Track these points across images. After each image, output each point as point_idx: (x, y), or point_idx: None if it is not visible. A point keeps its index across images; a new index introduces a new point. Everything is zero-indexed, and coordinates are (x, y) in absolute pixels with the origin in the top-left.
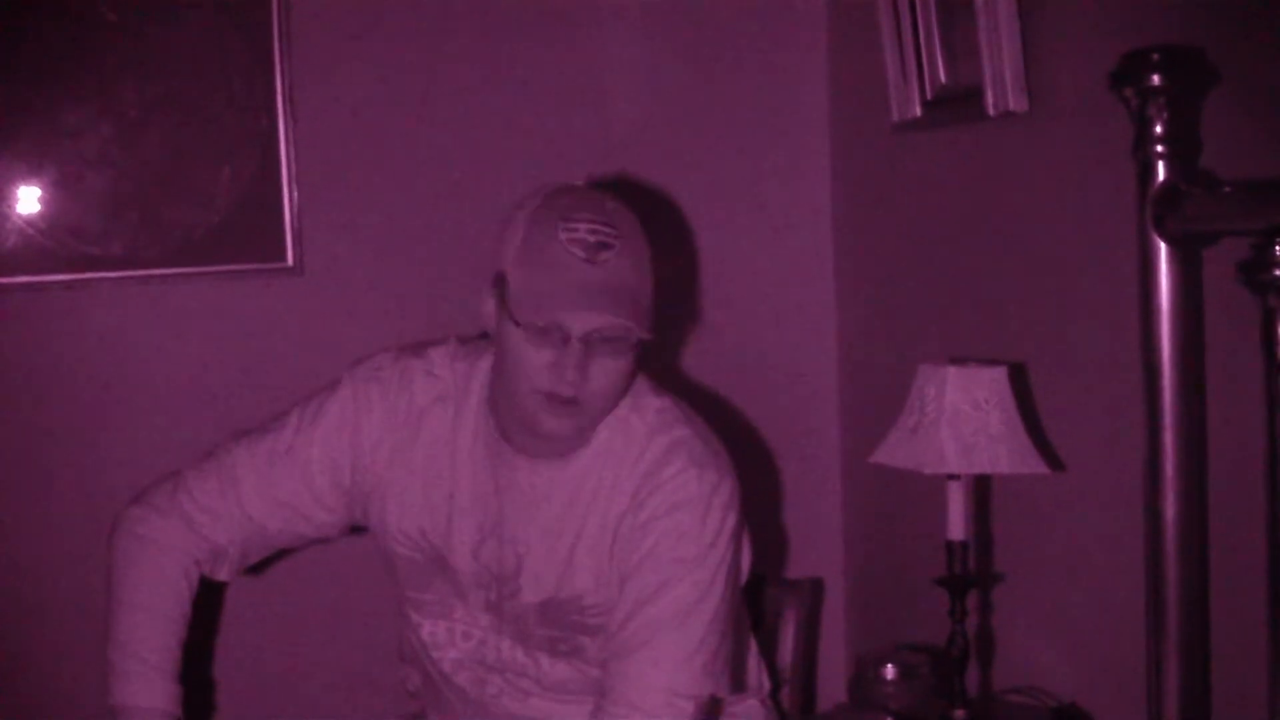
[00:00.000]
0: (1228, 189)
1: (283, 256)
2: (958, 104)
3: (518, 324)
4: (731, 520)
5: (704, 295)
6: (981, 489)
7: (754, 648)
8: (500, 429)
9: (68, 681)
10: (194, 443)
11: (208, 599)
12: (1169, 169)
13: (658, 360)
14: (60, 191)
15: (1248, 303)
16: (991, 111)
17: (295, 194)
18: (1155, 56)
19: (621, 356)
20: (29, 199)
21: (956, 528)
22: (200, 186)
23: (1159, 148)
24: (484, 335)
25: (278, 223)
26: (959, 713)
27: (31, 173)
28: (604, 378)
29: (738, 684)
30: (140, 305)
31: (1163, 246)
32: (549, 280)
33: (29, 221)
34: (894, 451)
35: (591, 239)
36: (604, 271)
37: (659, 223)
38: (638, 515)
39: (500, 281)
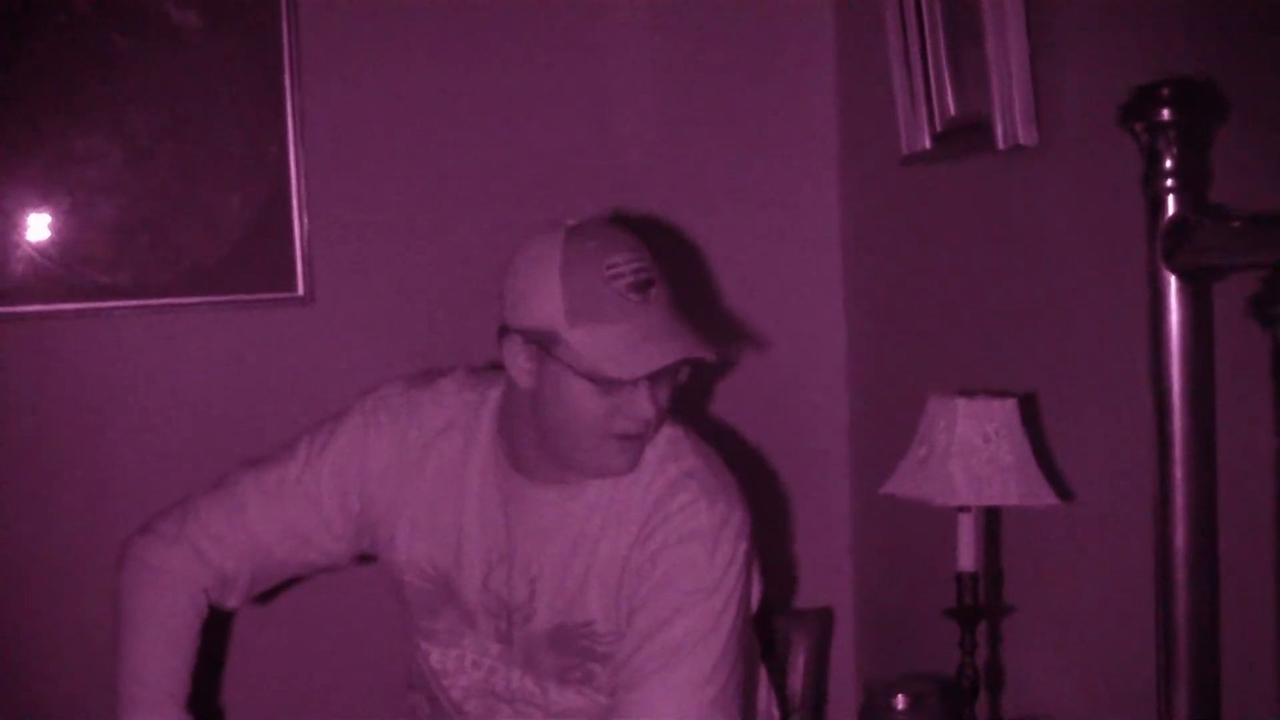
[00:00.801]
0: (1237, 223)
1: (293, 285)
2: (967, 136)
3: (594, 381)
4: (742, 551)
5: (713, 325)
6: (991, 520)
7: (764, 677)
8: (511, 459)
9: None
10: (203, 471)
11: (216, 627)
12: (1179, 202)
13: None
14: (70, 219)
15: (1258, 336)
16: (1001, 144)
17: (306, 222)
18: (1165, 91)
19: (678, 379)
20: (39, 226)
21: (966, 559)
22: (210, 214)
23: (1169, 181)
24: (493, 365)
25: (288, 251)
26: None
27: (41, 200)
28: (664, 402)
29: (748, 714)
30: (150, 334)
31: (1173, 280)
32: (621, 334)
33: (39, 249)
34: (904, 483)
35: (636, 279)
36: (661, 308)
37: (667, 253)
38: (647, 545)
39: (546, 339)
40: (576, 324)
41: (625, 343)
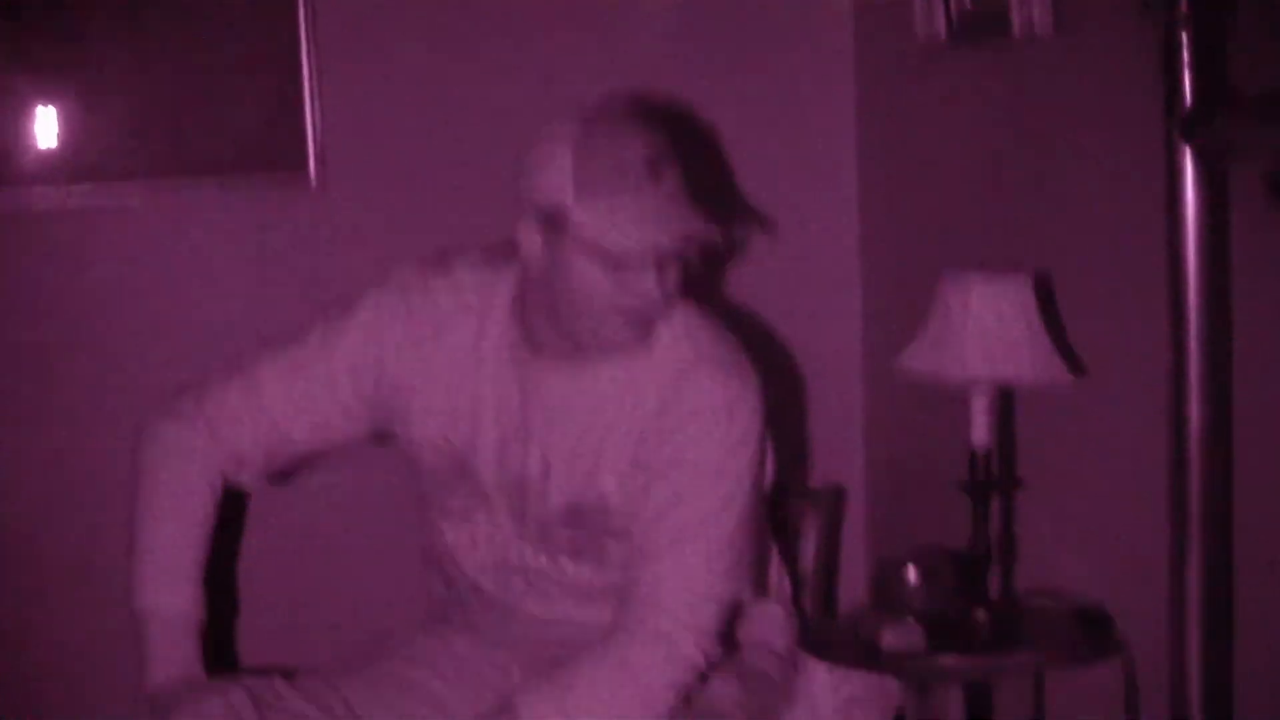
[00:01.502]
0: (1254, 104)
1: (305, 175)
2: (983, 25)
3: (600, 257)
4: (756, 427)
5: (724, 209)
6: (1004, 396)
7: (776, 555)
8: (526, 337)
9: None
10: (217, 358)
11: (232, 506)
12: (1196, 86)
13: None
14: (82, 109)
15: (1274, 214)
16: (1017, 33)
17: (318, 111)
18: None
19: (684, 261)
20: (52, 117)
21: (980, 434)
22: (223, 104)
23: (1186, 66)
24: (508, 244)
25: (300, 141)
26: (980, 614)
27: (54, 90)
28: (671, 282)
29: (759, 588)
30: (163, 224)
31: (1189, 160)
32: (629, 210)
33: (51, 139)
34: (918, 359)
35: (646, 156)
36: (669, 186)
37: (682, 139)
38: (663, 421)
39: (556, 215)
40: (585, 200)
41: (632, 220)
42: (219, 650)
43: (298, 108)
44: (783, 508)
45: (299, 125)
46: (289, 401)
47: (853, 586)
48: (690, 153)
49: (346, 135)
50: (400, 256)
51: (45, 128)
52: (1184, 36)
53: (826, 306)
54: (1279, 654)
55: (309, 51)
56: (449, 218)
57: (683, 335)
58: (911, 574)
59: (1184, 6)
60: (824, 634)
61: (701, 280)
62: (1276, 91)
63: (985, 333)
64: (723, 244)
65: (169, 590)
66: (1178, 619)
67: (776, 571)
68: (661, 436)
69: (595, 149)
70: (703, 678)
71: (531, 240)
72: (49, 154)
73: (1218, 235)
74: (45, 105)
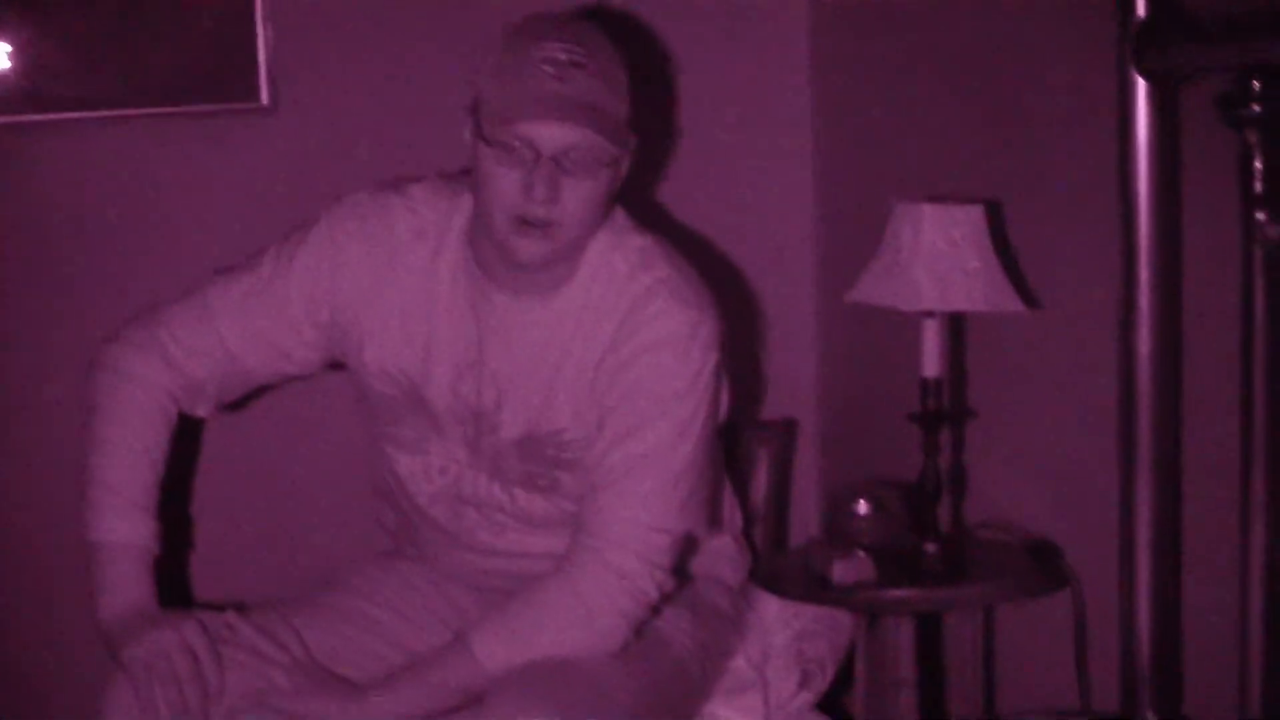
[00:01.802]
0: (1207, 26)
1: (257, 96)
2: None
3: (487, 142)
4: (712, 359)
5: (679, 134)
6: (956, 326)
7: (728, 487)
8: (481, 264)
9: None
10: (171, 282)
11: (186, 435)
12: (1148, 6)
13: (636, 198)
14: (33, 32)
15: (1225, 138)
16: None
17: (269, 32)
18: None
19: (592, 177)
20: (1, 41)
21: (931, 364)
22: (173, 25)
23: None
24: (465, 172)
25: (252, 61)
26: (930, 546)
27: (4, 14)
28: (576, 198)
29: (712, 521)
30: (114, 146)
31: (1141, 84)
32: (516, 94)
33: (1, 63)
34: (869, 289)
35: (563, 57)
36: (573, 88)
37: (634, 56)
38: (619, 352)
39: (475, 105)
40: (488, 82)
41: (517, 103)
42: (172, 583)
43: (249, 30)
44: (735, 441)
45: (250, 48)
46: (243, 329)
47: (805, 520)
48: (644, 73)
49: (298, 57)
50: (355, 178)
51: None
52: None
53: (780, 238)
54: (1227, 585)
55: None
56: (403, 138)
57: (639, 267)
58: (862, 507)
59: None
60: (775, 567)
61: (654, 209)
62: (1228, 13)
63: (937, 262)
64: (615, 160)
65: (122, 521)
66: (1127, 551)
67: (729, 505)
68: (617, 367)
69: (520, 45)
70: (654, 610)
71: (466, 141)
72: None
73: (1169, 161)
74: None
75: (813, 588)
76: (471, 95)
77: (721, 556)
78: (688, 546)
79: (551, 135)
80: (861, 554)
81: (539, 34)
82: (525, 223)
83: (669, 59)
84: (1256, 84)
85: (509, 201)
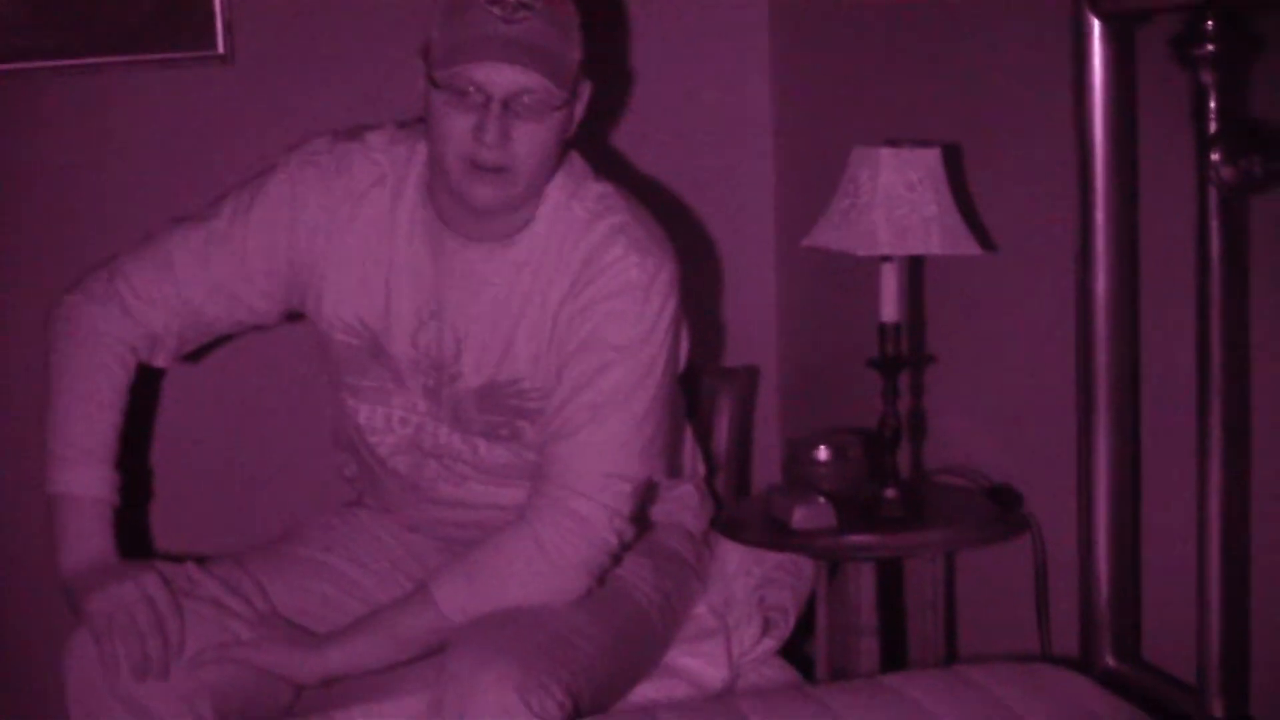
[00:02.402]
0: None
1: (213, 43)
2: None
3: (438, 86)
4: (671, 306)
5: (637, 81)
6: (914, 270)
7: (689, 434)
8: (439, 213)
9: None
10: (129, 233)
11: (145, 387)
12: None
13: (594, 146)
14: None
15: (1179, 79)
16: None
17: None
18: None
19: (542, 121)
20: None
21: (889, 309)
22: None
23: None
24: (422, 120)
25: (208, 9)
26: (890, 492)
27: None
28: (528, 141)
29: (673, 469)
30: (71, 96)
31: (1096, 24)
32: (464, 36)
33: None
34: (827, 235)
35: (512, 2)
36: (521, 29)
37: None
38: (578, 300)
39: (425, 49)
40: (438, 28)
41: (464, 46)
42: (132, 535)
43: None
44: (696, 388)
45: None
46: (201, 279)
47: (767, 467)
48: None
49: (254, 5)
50: (312, 126)
51: None
52: None
53: (739, 184)
54: (1186, 528)
55: None
56: (360, 86)
57: (598, 212)
58: (822, 453)
59: None
60: (736, 514)
61: (615, 159)
62: None
63: (894, 207)
64: (566, 104)
65: (82, 473)
66: (1085, 495)
67: (690, 452)
68: (576, 314)
69: None
70: (616, 558)
71: (418, 89)
72: None
73: (1124, 102)
74: None
75: (774, 534)
76: (423, 40)
77: (683, 504)
78: (649, 494)
79: (500, 78)
80: (822, 500)
81: None
82: (477, 166)
83: (625, 4)
84: (1210, 24)
85: (461, 146)
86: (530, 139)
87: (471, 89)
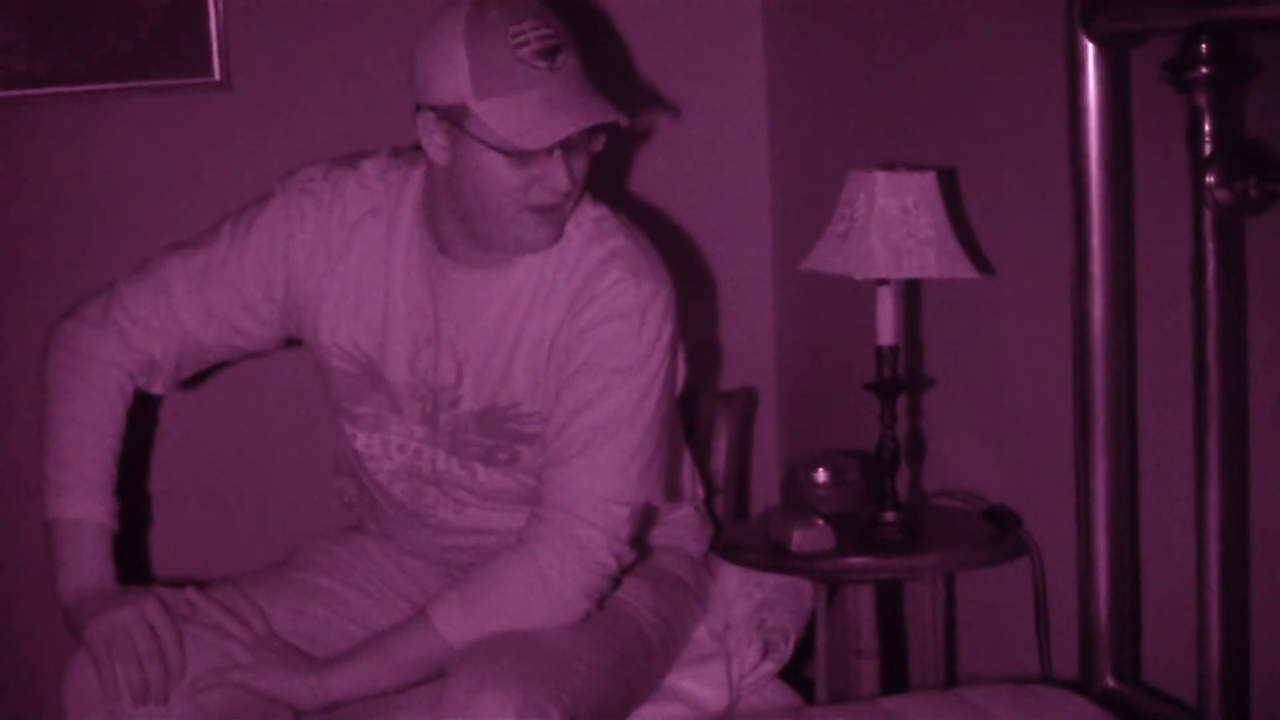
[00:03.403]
0: None
1: (209, 70)
2: None
3: (495, 148)
4: (668, 330)
5: (627, 94)
6: (911, 294)
7: (688, 458)
8: (435, 239)
9: None
10: (126, 259)
11: (144, 413)
12: None
13: (591, 170)
14: None
15: (1174, 102)
16: None
17: (221, 6)
18: None
19: (590, 151)
20: None
21: (886, 333)
22: (124, 1)
23: None
24: (417, 147)
25: (204, 36)
26: (889, 515)
27: None
28: (580, 173)
29: (672, 493)
30: (68, 122)
31: (1090, 47)
32: (531, 102)
33: None
34: (823, 258)
35: (543, 45)
36: (568, 75)
37: (583, 24)
38: (575, 324)
39: (456, 113)
40: (484, 95)
41: (535, 111)
42: (132, 561)
43: (201, 4)
44: (694, 411)
45: (202, 22)
46: (199, 306)
47: (765, 489)
48: (594, 39)
49: (250, 31)
50: (307, 152)
51: None
52: None
53: (736, 208)
54: (1185, 548)
55: None
56: (355, 113)
57: (595, 236)
58: (821, 476)
59: None
60: (735, 536)
61: (610, 179)
62: None
63: (891, 230)
64: (628, 130)
65: (81, 499)
66: (1084, 516)
67: (689, 475)
68: (573, 338)
69: (490, 42)
70: (615, 582)
71: (434, 141)
72: None
73: (1119, 125)
74: None
75: (773, 556)
76: (439, 102)
77: (682, 527)
78: (648, 518)
79: (580, 136)
80: (821, 522)
81: (504, 25)
82: (539, 211)
83: (621, 30)
84: (1204, 46)
85: (522, 197)
86: (581, 171)
87: (543, 150)
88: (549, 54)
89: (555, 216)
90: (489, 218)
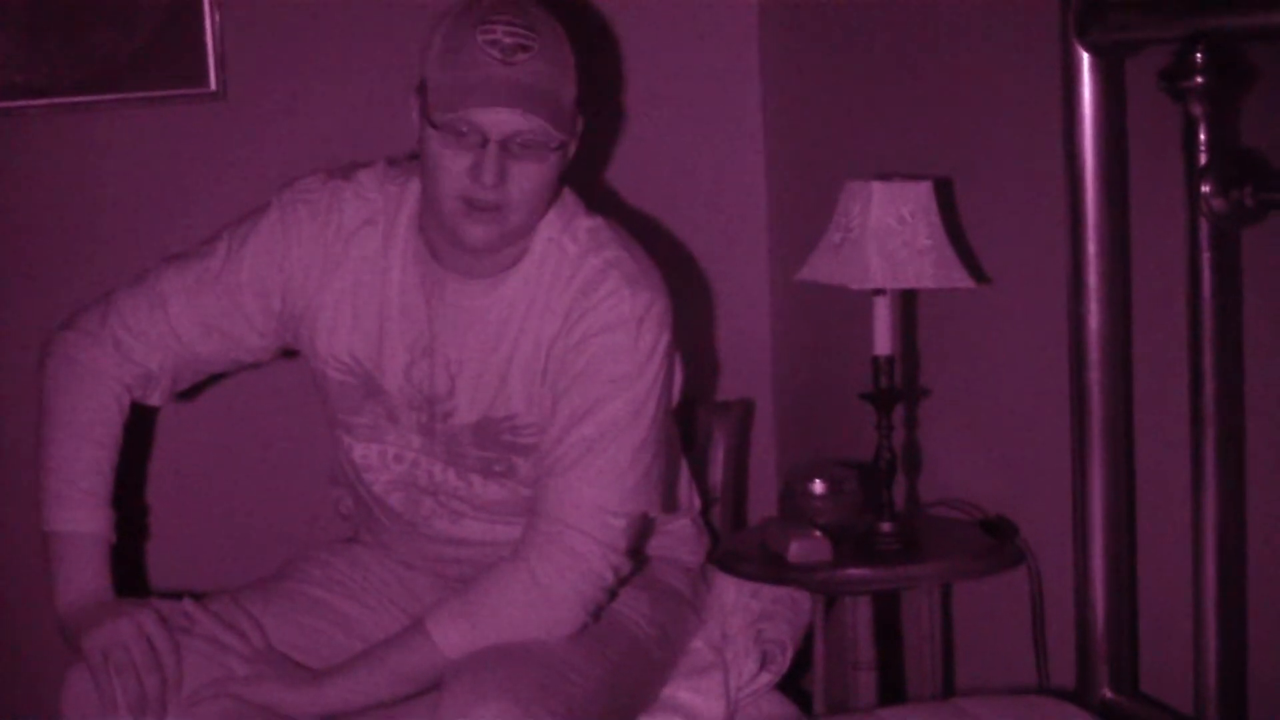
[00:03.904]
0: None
1: (205, 81)
2: None
3: (434, 126)
4: (664, 340)
5: (629, 116)
6: (907, 304)
7: (685, 469)
8: (431, 249)
9: None
10: (122, 269)
11: (140, 424)
12: None
13: (586, 180)
14: None
15: (1169, 111)
16: None
17: (217, 16)
18: None
19: (541, 161)
20: None
21: (882, 342)
22: (121, 10)
23: None
24: (413, 157)
25: (200, 46)
26: (886, 525)
27: None
28: (525, 182)
29: (669, 504)
30: (63, 132)
31: (1085, 56)
32: (463, 79)
33: None
34: (819, 268)
35: (508, 40)
36: (520, 72)
37: (583, 38)
38: (571, 335)
39: (421, 88)
40: (435, 70)
41: (463, 89)
42: (128, 572)
43: (197, 14)
44: (691, 422)
45: (198, 32)
46: (195, 318)
47: (763, 500)
48: (589, 53)
49: (246, 41)
50: (304, 163)
51: None
52: None
53: (732, 218)
54: (1181, 558)
55: None
56: (352, 123)
57: (590, 247)
58: (817, 487)
59: None
60: (732, 547)
61: (606, 190)
62: None
63: (887, 240)
64: (569, 152)
65: (78, 510)
66: (1081, 526)
67: (685, 486)
68: (569, 349)
69: (463, 26)
70: (612, 593)
71: (412, 122)
72: None
73: (1114, 134)
74: None
75: (770, 567)
76: (418, 77)
77: (679, 538)
78: (645, 529)
79: (499, 121)
80: (818, 534)
81: (483, 15)
82: (473, 206)
83: (618, 40)
84: (1199, 56)
85: (457, 185)
86: (526, 178)
87: (468, 130)
88: (509, 50)
89: (497, 217)
90: (436, 205)
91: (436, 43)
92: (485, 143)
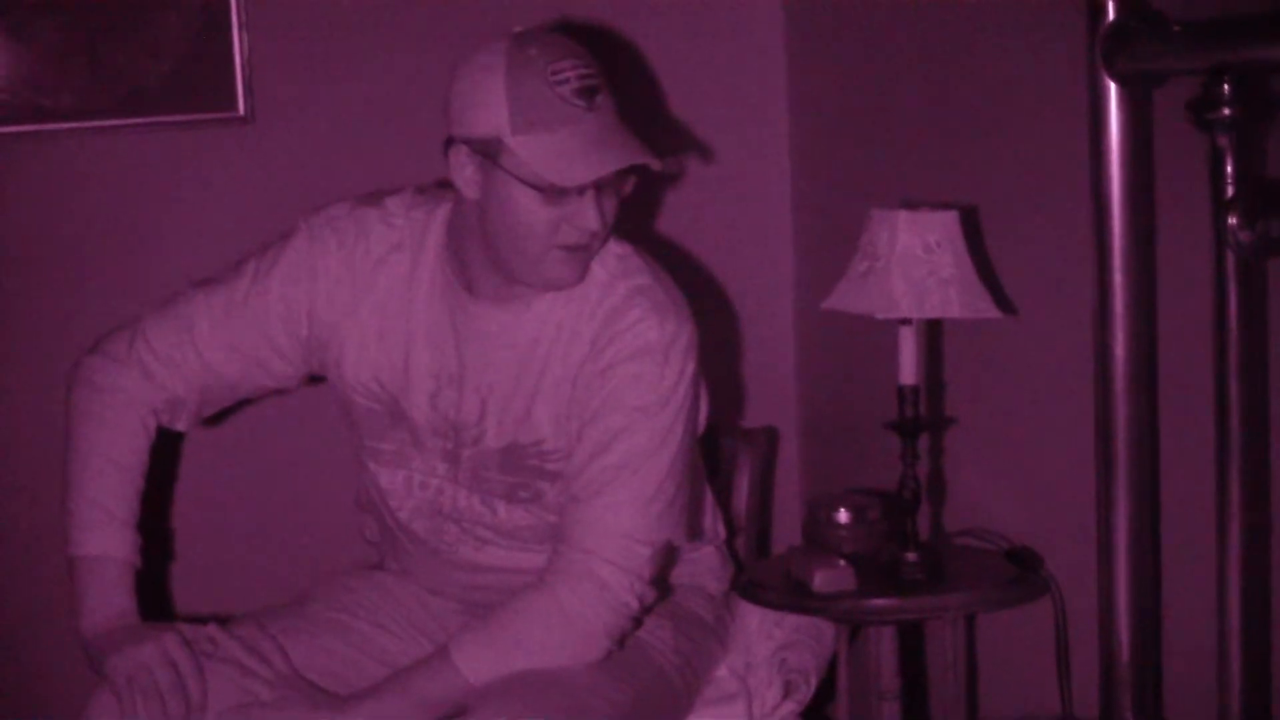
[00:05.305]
0: (1176, 28)
1: (234, 105)
2: None
3: (540, 189)
4: (690, 368)
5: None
6: (933, 333)
7: (710, 497)
8: (459, 277)
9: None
10: (150, 293)
11: (166, 449)
12: (1119, 8)
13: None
14: (9, 42)
15: (1196, 142)
16: None
17: (245, 41)
18: None
19: (623, 190)
20: None
21: (908, 372)
22: (149, 35)
23: None
24: (441, 184)
25: (228, 70)
26: (910, 555)
27: None
28: (610, 214)
29: (693, 532)
30: (92, 156)
31: (1112, 87)
32: (564, 144)
33: None
34: (846, 297)
35: (581, 84)
36: (606, 116)
37: (611, 63)
38: (597, 362)
39: (491, 148)
40: (521, 131)
41: (571, 150)
42: (153, 596)
43: (225, 39)
44: (716, 450)
45: (227, 57)
46: (222, 343)
47: (787, 528)
48: (622, 79)
49: (275, 66)
50: (332, 187)
51: None
52: None
53: (758, 246)
54: (1206, 587)
55: None
56: (380, 147)
57: (618, 273)
58: (842, 516)
59: None
60: (757, 576)
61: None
62: (1199, 16)
63: (913, 269)
64: (662, 171)
65: (103, 535)
66: (1106, 556)
67: (710, 514)
68: (595, 376)
69: (528, 79)
70: (636, 621)
71: (466, 175)
72: None
73: (1141, 164)
74: None
75: (794, 596)
76: (473, 135)
77: (704, 566)
78: (669, 556)
79: (612, 176)
80: (842, 563)
81: (544, 64)
82: (572, 250)
83: (646, 68)
84: (1227, 87)
85: (555, 236)
86: (612, 210)
87: (574, 187)
88: (587, 93)
89: (582, 256)
90: (517, 254)
91: (498, 102)
92: (583, 190)
